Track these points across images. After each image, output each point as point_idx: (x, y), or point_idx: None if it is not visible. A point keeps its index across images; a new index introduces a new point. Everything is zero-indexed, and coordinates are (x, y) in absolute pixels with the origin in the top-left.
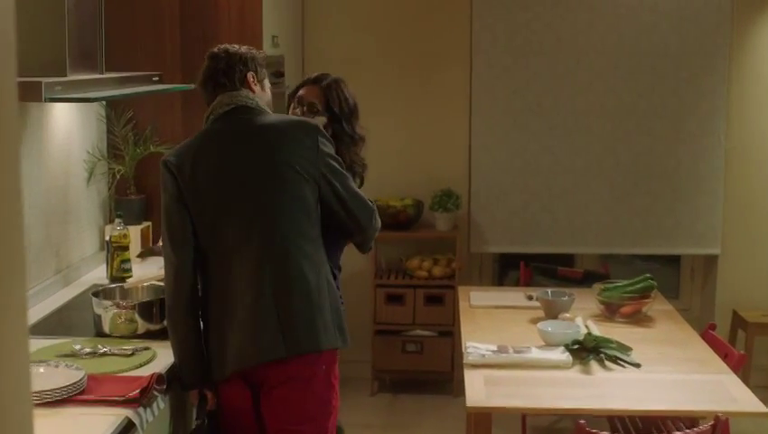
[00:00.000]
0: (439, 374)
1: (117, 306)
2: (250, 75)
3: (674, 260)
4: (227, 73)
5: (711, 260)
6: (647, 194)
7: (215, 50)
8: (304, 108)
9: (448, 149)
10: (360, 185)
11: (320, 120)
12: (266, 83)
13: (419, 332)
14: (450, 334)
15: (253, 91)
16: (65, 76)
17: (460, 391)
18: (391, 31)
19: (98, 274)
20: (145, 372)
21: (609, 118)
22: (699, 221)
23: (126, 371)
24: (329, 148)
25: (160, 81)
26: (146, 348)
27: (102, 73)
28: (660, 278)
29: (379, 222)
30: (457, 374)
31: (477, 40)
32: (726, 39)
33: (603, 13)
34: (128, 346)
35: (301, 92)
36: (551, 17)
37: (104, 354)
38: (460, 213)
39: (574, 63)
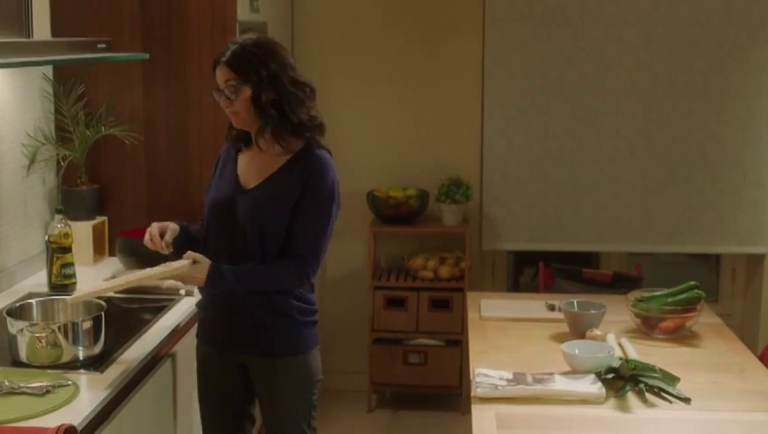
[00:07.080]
0: (445, 389)
1: (33, 327)
2: None
3: (712, 259)
4: None
5: (756, 260)
6: (684, 185)
7: None
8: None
9: (457, 132)
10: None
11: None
12: None
13: (423, 341)
14: (458, 343)
15: None
16: None
17: (468, 408)
18: None
19: (40, 279)
20: (57, 419)
21: (641, 98)
22: (744, 216)
23: (33, 417)
24: None
25: (108, 49)
26: (68, 383)
27: (29, 37)
28: (696, 278)
29: None
30: (466, 389)
31: (491, 7)
32: None
33: None
34: (44, 382)
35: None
36: None
37: (10, 393)
38: (470, 206)
39: (601, 35)
